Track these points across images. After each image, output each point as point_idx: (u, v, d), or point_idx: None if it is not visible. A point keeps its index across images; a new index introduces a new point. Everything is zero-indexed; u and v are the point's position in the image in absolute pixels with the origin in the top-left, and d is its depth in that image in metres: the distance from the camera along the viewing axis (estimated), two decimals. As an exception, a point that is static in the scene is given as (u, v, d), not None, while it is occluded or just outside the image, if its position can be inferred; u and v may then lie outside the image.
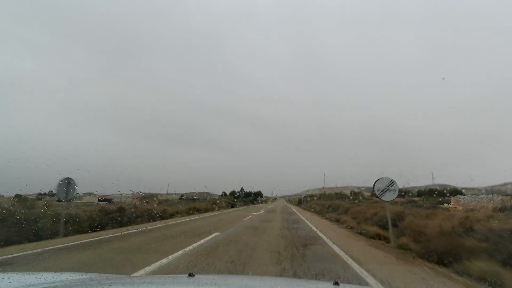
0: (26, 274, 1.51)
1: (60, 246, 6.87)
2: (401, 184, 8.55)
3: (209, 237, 8.20)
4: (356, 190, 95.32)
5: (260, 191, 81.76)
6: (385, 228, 9.75)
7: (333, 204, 25.68)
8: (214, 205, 31.15)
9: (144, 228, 10.89)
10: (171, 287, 1.43)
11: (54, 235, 8.55)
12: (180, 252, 5.99)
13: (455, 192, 33.59)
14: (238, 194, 47.28)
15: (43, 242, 7.45)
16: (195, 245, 6.90)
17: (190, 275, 1.61)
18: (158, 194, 62.69)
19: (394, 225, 8.41)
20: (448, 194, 32.17)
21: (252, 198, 65.43)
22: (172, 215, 17.53)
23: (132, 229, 10.50)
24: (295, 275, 4.24)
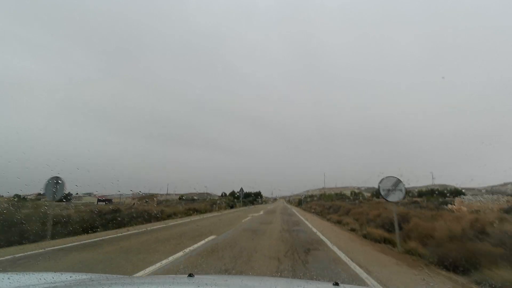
0: (26, 274, 1.50)
1: (41, 251, 6.35)
2: (401, 184, 8.07)
3: (204, 241, 7.71)
4: (356, 191, 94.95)
5: (259, 191, 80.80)
6: (389, 230, 9.28)
7: (333, 205, 25.26)
8: (214, 205, 30.70)
9: (136, 231, 10.41)
10: (171, 287, 1.39)
11: (41, 237, 8.07)
12: (170, 259, 5.47)
13: (456, 192, 33.05)
14: (237, 194, 46.83)
15: (23, 246, 6.93)
16: (186, 250, 6.37)
17: (190, 275, 1.60)
18: (158, 194, 62.43)
19: (399, 228, 7.93)
20: (448, 195, 31.66)
21: (252, 198, 64.94)
22: (169, 216, 17.30)
23: (125, 231, 10.03)
24: None
